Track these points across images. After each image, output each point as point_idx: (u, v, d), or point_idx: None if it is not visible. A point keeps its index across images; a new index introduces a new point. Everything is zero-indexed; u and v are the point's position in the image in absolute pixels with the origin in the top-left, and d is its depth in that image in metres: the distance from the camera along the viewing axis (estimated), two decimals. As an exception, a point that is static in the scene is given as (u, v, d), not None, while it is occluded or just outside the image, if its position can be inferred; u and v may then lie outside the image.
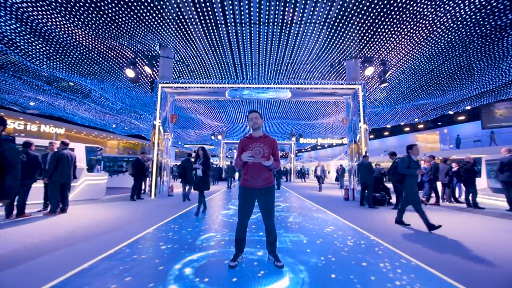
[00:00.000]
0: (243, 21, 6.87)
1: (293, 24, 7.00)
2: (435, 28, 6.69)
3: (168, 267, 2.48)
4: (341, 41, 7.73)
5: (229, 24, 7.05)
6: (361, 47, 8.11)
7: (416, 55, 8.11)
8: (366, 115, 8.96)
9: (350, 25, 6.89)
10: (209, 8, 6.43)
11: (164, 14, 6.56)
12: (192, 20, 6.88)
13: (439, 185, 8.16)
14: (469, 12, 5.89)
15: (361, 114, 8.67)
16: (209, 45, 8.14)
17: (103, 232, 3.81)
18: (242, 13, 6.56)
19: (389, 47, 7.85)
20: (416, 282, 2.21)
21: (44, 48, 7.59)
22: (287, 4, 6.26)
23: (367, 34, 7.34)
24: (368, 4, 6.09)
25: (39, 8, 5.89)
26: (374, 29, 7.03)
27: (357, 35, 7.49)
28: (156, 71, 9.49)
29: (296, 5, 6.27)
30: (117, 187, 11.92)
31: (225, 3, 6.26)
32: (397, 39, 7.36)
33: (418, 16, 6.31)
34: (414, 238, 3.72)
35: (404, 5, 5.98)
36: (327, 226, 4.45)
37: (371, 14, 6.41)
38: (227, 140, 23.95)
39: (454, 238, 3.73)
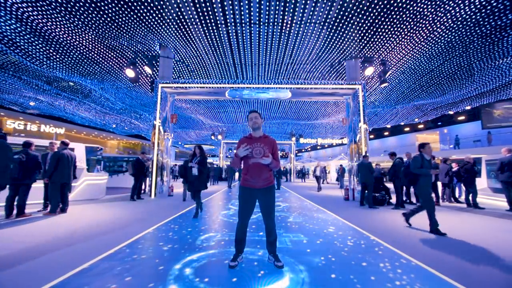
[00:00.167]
0: (243, 21, 6.87)
1: (293, 24, 7.00)
2: (435, 28, 6.68)
3: (168, 267, 2.48)
4: (341, 41, 7.72)
5: (229, 24, 7.05)
6: (361, 47, 8.11)
7: (416, 55, 8.11)
8: (366, 115, 8.96)
9: (350, 25, 6.89)
10: (209, 8, 6.43)
11: (164, 14, 6.56)
12: (192, 20, 6.88)
13: (439, 185, 8.16)
14: (469, 12, 5.89)
15: (361, 114, 8.68)
16: (209, 45, 8.14)
17: (103, 232, 3.81)
18: (242, 13, 6.56)
19: (389, 47, 7.85)
20: (416, 282, 2.21)
21: (44, 48, 7.59)
22: (287, 4, 6.26)
23: (367, 34, 7.34)
24: (368, 4, 6.09)
25: (39, 8, 5.89)
26: (374, 29, 7.03)
27: (357, 35, 7.49)
28: (156, 71, 9.49)
29: (296, 5, 6.27)
30: (117, 187, 11.92)
31: (225, 3, 6.25)
32: (397, 39, 7.36)
33: (418, 16, 6.31)
34: (414, 238, 3.72)
35: (404, 5, 5.98)
36: (327, 226, 4.45)
37: (371, 14, 6.41)
38: (227, 140, 23.95)
39: (454, 238, 3.73)
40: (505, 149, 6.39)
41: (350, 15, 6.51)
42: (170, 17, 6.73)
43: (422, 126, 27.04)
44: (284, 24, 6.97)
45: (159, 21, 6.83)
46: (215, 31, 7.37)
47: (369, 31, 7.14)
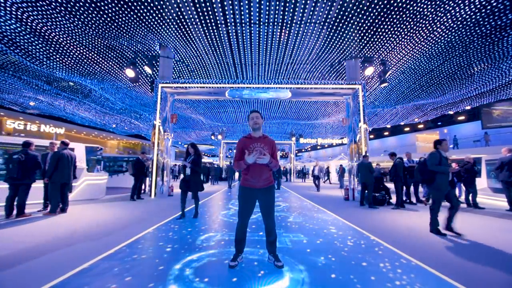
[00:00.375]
0: (243, 21, 6.87)
1: (293, 24, 7.00)
2: (435, 28, 6.68)
3: (168, 267, 2.49)
4: (341, 41, 7.72)
5: (229, 24, 7.05)
6: (361, 47, 8.11)
7: (416, 55, 8.11)
8: (366, 115, 8.96)
9: (350, 25, 6.89)
10: (209, 8, 6.43)
11: (164, 14, 6.56)
12: (192, 20, 6.88)
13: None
14: (469, 12, 5.89)
15: (361, 114, 8.67)
16: (209, 45, 8.14)
17: (103, 232, 3.81)
18: (242, 13, 6.56)
19: (389, 47, 7.85)
20: (416, 282, 2.21)
21: (44, 48, 7.59)
22: (287, 4, 6.26)
23: (367, 34, 7.34)
24: (368, 4, 6.09)
25: (39, 8, 5.89)
26: (374, 29, 7.03)
27: (357, 35, 7.49)
28: (156, 71, 9.48)
29: (296, 5, 6.27)
30: (117, 187, 11.92)
31: (225, 3, 6.25)
32: (397, 39, 7.36)
33: (418, 16, 6.31)
34: (414, 238, 3.72)
35: (404, 5, 5.98)
36: (327, 226, 4.45)
37: (371, 14, 6.41)
38: (227, 140, 23.95)
39: (454, 238, 3.73)
40: (505, 149, 6.39)
41: (350, 15, 6.51)
42: (170, 17, 6.73)
43: (422, 126, 27.05)
44: (284, 24, 6.97)
45: (159, 21, 6.83)
46: (215, 31, 7.37)
47: (369, 31, 7.14)
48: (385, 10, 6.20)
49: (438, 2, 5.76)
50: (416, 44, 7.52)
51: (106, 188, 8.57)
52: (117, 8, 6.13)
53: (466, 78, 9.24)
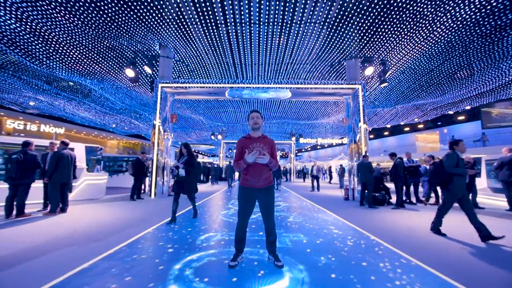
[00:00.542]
0: (243, 20, 6.87)
1: (293, 24, 7.00)
2: (435, 28, 6.68)
3: (168, 267, 2.48)
4: (341, 41, 7.72)
5: (229, 24, 7.05)
6: (361, 47, 8.11)
7: (416, 55, 8.11)
8: (366, 115, 8.96)
9: (350, 25, 6.89)
10: (209, 8, 6.42)
11: (164, 13, 6.55)
12: (192, 19, 6.87)
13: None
14: (469, 12, 5.89)
15: (361, 114, 8.67)
16: (209, 45, 8.14)
17: (103, 232, 3.81)
18: (242, 12, 6.56)
19: (389, 47, 7.85)
20: (416, 282, 2.21)
21: (43, 48, 7.58)
22: (287, 4, 6.25)
23: (367, 34, 7.34)
24: (368, 4, 6.09)
25: (39, 8, 5.88)
26: (374, 29, 7.03)
27: (357, 35, 7.49)
28: (156, 71, 9.48)
29: (296, 5, 6.27)
30: (117, 187, 11.92)
31: (225, 3, 6.25)
32: (397, 39, 7.36)
33: (418, 16, 6.31)
34: (414, 238, 3.72)
35: (404, 5, 5.98)
36: (327, 226, 4.46)
37: (371, 14, 6.41)
38: (227, 140, 23.95)
39: (454, 238, 3.73)
40: (505, 149, 6.39)
41: (350, 15, 6.51)
42: (170, 16, 6.73)
43: (422, 126, 27.05)
44: (284, 24, 6.97)
45: (159, 20, 6.83)
46: (215, 30, 7.37)
47: (369, 31, 7.14)
48: (385, 10, 6.20)
49: (438, 2, 5.76)
50: (416, 44, 7.52)
51: (106, 188, 8.57)
52: (117, 8, 6.13)
53: (466, 78, 9.24)
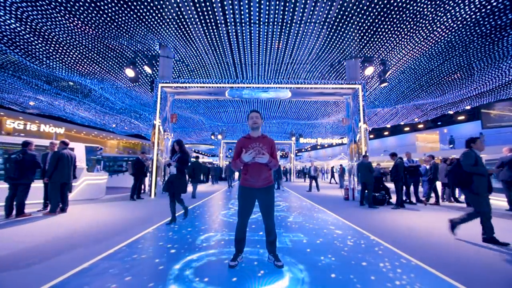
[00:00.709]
0: (243, 20, 6.87)
1: (293, 24, 7.00)
2: (435, 28, 6.68)
3: (168, 266, 2.48)
4: (341, 40, 7.72)
5: (229, 24, 7.05)
6: (361, 46, 8.11)
7: (416, 55, 8.11)
8: (366, 115, 8.96)
9: (350, 24, 6.89)
10: (209, 8, 6.42)
11: (164, 13, 6.55)
12: (192, 19, 6.87)
13: (439, 185, 8.16)
14: (469, 12, 5.89)
15: (361, 113, 8.67)
16: (209, 44, 8.14)
17: (103, 232, 3.81)
18: (242, 12, 6.55)
19: (389, 47, 7.85)
20: (416, 282, 2.21)
21: (43, 48, 7.58)
22: (287, 4, 6.25)
23: (367, 34, 7.34)
24: (368, 4, 6.09)
25: (38, 8, 5.88)
26: (374, 29, 7.02)
27: (357, 35, 7.49)
28: (156, 70, 9.48)
29: (296, 5, 6.27)
30: (117, 186, 11.92)
31: (225, 3, 6.25)
32: (397, 39, 7.36)
33: (418, 16, 6.30)
34: (414, 238, 3.72)
35: (404, 5, 5.97)
36: (327, 226, 4.45)
37: (371, 14, 6.41)
38: (227, 140, 23.94)
39: (454, 238, 3.73)
40: (506, 149, 6.38)
41: (350, 15, 6.51)
42: (170, 16, 6.73)
43: (422, 126, 27.05)
44: (284, 24, 6.97)
45: (159, 20, 6.82)
46: (215, 30, 7.37)
47: (369, 30, 7.13)
48: (385, 10, 6.20)
49: (438, 2, 5.76)
50: (416, 44, 7.51)
51: (106, 188, 8.57)
52: (117, 8, 6.13)
53: (466, 78, 9.24)
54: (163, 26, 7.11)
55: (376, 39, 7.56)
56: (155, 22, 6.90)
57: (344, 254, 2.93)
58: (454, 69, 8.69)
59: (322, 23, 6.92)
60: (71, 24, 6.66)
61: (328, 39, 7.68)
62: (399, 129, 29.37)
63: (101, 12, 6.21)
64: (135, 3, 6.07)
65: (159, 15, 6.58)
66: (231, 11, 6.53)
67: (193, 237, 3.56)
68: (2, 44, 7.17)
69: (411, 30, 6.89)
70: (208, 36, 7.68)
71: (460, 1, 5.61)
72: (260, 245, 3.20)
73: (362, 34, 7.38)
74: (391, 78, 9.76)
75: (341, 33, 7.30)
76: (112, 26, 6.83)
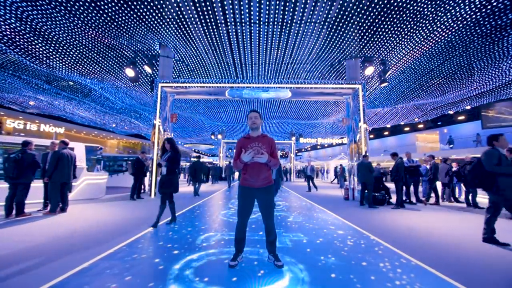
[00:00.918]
0: (243, 20, 6.86)
1: (293, 24, 6.99)
2: (435, 28, 6.68)
3: (168, 266, 2.48)
4: (341, 40, 7.72)
5: (229, 24, 7.04)
6: (361, 46, 8.10)
7: (416, 54, 8.11)
8: (366, 114, 8.96)
9: (350, 24, 6.89)
10: (209, 7, 6.42)
11: (164, 13, 6.55)
12: (192, 19, 6.87)
13: (439, 185, 8.17)
14: (469, 12, 5.88)
15: (361, 113, 8.67)
16: (209, 44, 8.13)
17: (103, 232, 3.81)
18: (242, 12, 6.55)
19: (389, 46, 7.85)
20: (416, 282, 2.21)
21: (43, 47, 7.58)
22: (287, 4, 6.25)
23: (367, 34, 7.34)
24: (368, 3, 6.08)
25: (39, 7, 5.88)
26: (374, 29, 7.02)
27: (357, 35, 7.49)
28: (156, 70, 9.47)
29: (296, 5, 6.26)
30: (117, 186, 11.92)
31: (225, 2, 6.25)
32: (397, 38, 7.35)
33: (418, 16, 6.30)
34: (414, 238, 3.72)
35: (404, 5, 5.97)
36: (327, 226, 4.46)
37: (371, 14, 6.40)
38: (227, 139, 23.95)
39: (454, 238, 3.73)
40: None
41: (350, 15, 6.50)
42: (170, 16, 6.72)
43: (422, 126, 27.06)
44: (284, 24, 6.96)
45: (159, 20, 6.82)
46: (215, 30, 7.37)
47: (369, 30, 7.13)
48: (385, 9, 6.20)
49: (438, 2, 5.75)
50: (416, 44, 7.51)
51: (106, 188, 8.57)
52: (117, 8, 6.12)
53: (466, 78, 9.24)
54: (163, 26, 7.10)
55: (376, 39, 7.56)
56: (155, 22, 6.89)
57: (344, 254, 2.93)
58: (454, 69, 8.69)
59: (322, 23, 6.92)
60: (71, 24, 6.65)
61: (328, 39, 7.68)
62: (399, 129, 29.37)
63: (101, 12, 6.20)
64: (135, 3, 6.06)
65: (159, 15, 6.57)
66: (231, 11, 6.52)
67: (193, 237, 3.56)
68: (2, 43, 7.17)
69: (411, 30, 6.88)
70: (208, 36, 7.67)
71: (460, 1, 5.60)
72: (260, 245, 3.20)
73: (362, 34, 7.37)
74: (391, 78, 9.76)
75: (341, 33, 7.29)
76: (112, 26, 6.83)
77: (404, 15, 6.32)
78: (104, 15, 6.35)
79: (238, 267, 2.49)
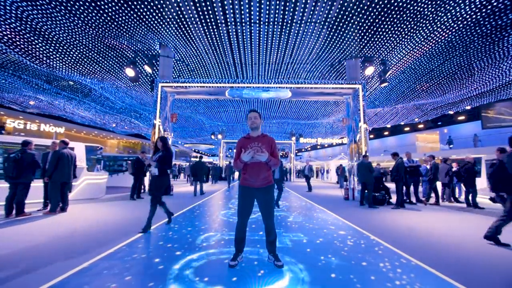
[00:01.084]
0: (243, 20, 6.86)
1: (294, 24, 6.99)
2: (435, 28, 6.68)
3: (168, 266, 2.48)
4: (341, 40, 7.72)
5: (229, 23, 7.04)
6: (362, 46, 8.10)
7: (417, 55, 8.11)
8: (366, 114, 8.96)
9: (350, 24, 6.89)
10: (209, 7, 6.42)
11: (164, 13, 6.55)
12: (192, 19, 6.87)
13: (439, 185, 8.17)
14: (469, 12, 5.88)
15: (361, 113, 8.67)
16: (209, 44, 8.13)
17: (103, 232, 3.81)
18: (242, 12, 6.55)
19: (390, 47, 7.85)
20: (416, 282, 2.21)
21: (44, 47, 7.58)
22: (287, 4, 6.25)
23: (367, 34, 7.34)
24: (368, 3, 6.08)
25: (39, 7, 5.88)
26: (375, 29, 7.02)
27: (358, 35, 7.49)
28: (156, 70, 9.48)
29: (296, 5, 6.26)
30: (117, 186, 11.92)
31: (225, 2, 6.25)
32: (397, 39, 7.35)
33: (418, 16, 6.30)
34: (414, 238, 3.72)
35: (404, 5, 5.97)
36: (327, 226, 4.46)
37: (372, 14, 6.40)
38: (227, 139, 23.95)
39: (454, 238, 3.73)
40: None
41: (351, 15, 6.50)
42: (170, 16, 6.72)
43: (422, 126, 27.06)
44: (285, 24, 6.96)
45: (159, 20, 6.82)
46: (215, 30, 7.36)
47: (369, 30, 7.13)
48: (385, 9, 6.20)
49: (438, 2, 5.75)
50: (416, 44, 7.51)
51: (106, 188, 8.57)
52: (117, 8, 6.12)
53: (466, 78, 9.24)
54: (163, 25, 7.10)
55: (376, 39, 7.56)
56: (155, 22, 6.89)
57: (344, 254, 2.93)
58: (455, 69, 8.69)
59: (322, 23, 6.91)
60: (72, 24, 6.65)
61: (328, 39, 7.68)
62: (399, 129, 29.36)
63: (101, 11, 6.20)
64: (135, 3, 6.07)
65: (159, 14, 6.57)
66: (231, 11, 6.52)
67: (193, 237, 3.56)
68: (2, 43, 7.17)
69: (412, 30, 6.88)
70: (208, 36, 7.67)
71: (460, 1, 5.60)
72: (260, 245, 3.20)
73: (362, 34, 7.37)
74: (391, 78, 9.75)
75: (341, 33, 7.29)
76: (112, 26, 6.83)
77: (404, 15, 6.31)
78: (104, 15, 6.35)
79: (238, 267, 2.48)
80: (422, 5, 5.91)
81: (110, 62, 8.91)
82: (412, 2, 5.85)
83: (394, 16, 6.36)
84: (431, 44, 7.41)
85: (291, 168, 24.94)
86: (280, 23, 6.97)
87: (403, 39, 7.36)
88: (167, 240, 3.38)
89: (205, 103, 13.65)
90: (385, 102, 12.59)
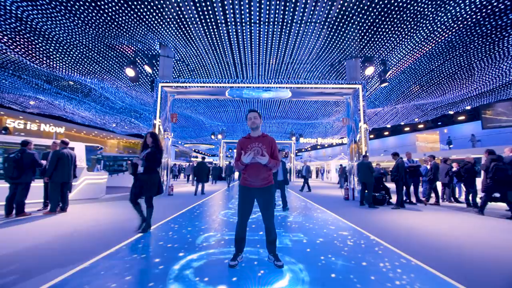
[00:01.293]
0: (243, 20, 6.86)
1: (294, 24, 6.99)
2: (435, 28, 6.68)
3: (168, 266, 2.48)
4: (341, 40, 7.72)
5: (229, 23, 7.04)
6: (362, 46, 8.10)
7: (417, 55, 8.11)
8: (366, 114, 8.96)
9: (350, 24, 6.89)
10: (209, 7, 6.42)
11: (164, 13, 6.55)
12: (192, 19, 6.87)
13: (439, 185, 8.17)
14: (469, 12, 5.88)
15: (361, 113, 8.67)
16: (209, 44, 8.13)
17: (103, 231, 3.81)
18: (243, 12, 6.55)
19: (390, 47, 7.85)
20: (416, 282, 2.21)
21: (44, 47, 7.58)
22: (287, 4, 6.25)
23: (367, 34, 7.34)
24: (368, 3, 6.08)
25: (39, 7, 5.88)
26: (375, 29, 7.02)
27: (358, 35, 7.49)
28: (156, 70, 9.48)
29: (296, 5, 6.26)
30: (117, 186, 11.91)
31: (225, 2, 6.25)
32: (397, 39, 7.35)
33: (419, 16, 6.30)
34: (414, 238, 3.72)
35: (404, 5, 5.97)
36: (327, 226, 4.45)
37: (372, 14, 6.40)
38: (227, 139, 23.95)
39: (454, 238, 3.73)
40: (508, 149, 6.36)
41: (351, 15, 6.50)
42: (170, 16, 6.72)
43: (422, 126, 27.05)
44: (285, 24, 6.96)
45: (159, 20, 6.82)
46: (215, 30, 7.37)
47: (369, 30, 7.13)
48: (385, 9, 6.20)
49: (438, 2, 5.75)
50: (416, 44, 7.51)
51: (106, 188, 8.56)
52: (117, 7, 6.12)
53: (466, 78, 9.24)
54: (163, 26, 7.10)
55: (376, 39, 7.56)
56: (155, 22, 6.89)
57: (344, 254, 2.93)
58: (455, 69, 8.69)
59: (322, 23, 6.92)
60: (72, 24, 6.65)
61: (328, 39, 7.68)
62: (399, 129, 29.37)
63: (101, 11, 6.20)
64: (135, 3, 6.07)
65: (159, 14, 6.57)
66: (231, 11, 6.52)
67: (193, 237, 3.56)
68: (2, 43, 7.17)
69: (412, 30, 6.88)
70: (208, 36, 7.67)
71: (460, 2, 5.61)
72: (260, 245, 3.20)
73: (362, 34, 7.38)
74: (391, 78, 9.76)
75: (341, 33, 7.29)
76: (112, 26, 6.83)
77: (404, 15, 6.32)
78: (104, 15, 6.35)
79: (238, 267, 2.48)
80: (422, 5, 5.91)
81: (110, 62, 8.91)
82: (412, 2, 5.86)
83: (394, 16, 6.36)
84: (431, 44, 7.41)
85: (291, 168, 24.94)
86: (280, 23, 6.97)
87: (403, 39, 7.36)
88: (167, 240, 3.38)
89: (205, 103, 13.64)
90: (385, 102, 12.59)
